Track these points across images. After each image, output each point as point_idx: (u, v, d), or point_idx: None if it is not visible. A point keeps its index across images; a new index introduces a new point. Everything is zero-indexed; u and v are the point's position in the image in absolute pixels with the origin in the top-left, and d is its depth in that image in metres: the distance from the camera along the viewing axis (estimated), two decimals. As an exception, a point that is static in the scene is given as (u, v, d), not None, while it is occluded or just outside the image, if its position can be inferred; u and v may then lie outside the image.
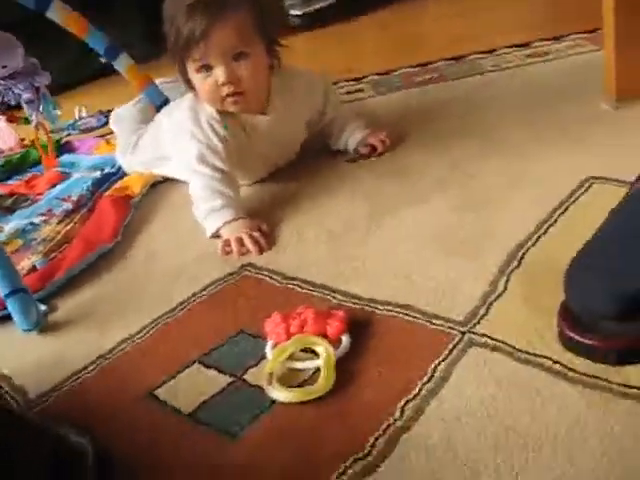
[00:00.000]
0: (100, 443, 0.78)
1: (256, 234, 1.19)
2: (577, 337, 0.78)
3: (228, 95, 1.27)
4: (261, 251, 1.17)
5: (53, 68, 2.30)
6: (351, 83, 1.99)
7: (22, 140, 2.00)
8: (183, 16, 1.21)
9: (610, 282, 0.76)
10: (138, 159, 1.56)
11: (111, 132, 1.98)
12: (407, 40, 2.51)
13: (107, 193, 1.49)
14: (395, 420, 0.76)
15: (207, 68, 1.25)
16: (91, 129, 2.16)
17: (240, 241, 1.19)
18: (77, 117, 2.25)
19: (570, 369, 0.77)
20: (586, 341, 0.78)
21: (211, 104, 1.30)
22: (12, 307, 1.07)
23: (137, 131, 1.59)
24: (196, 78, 1.28)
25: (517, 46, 1.97)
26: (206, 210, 1.24)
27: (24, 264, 1.26)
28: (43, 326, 1.09)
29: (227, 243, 1.20)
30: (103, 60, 1.95)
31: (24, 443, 0.72)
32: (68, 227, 1.39)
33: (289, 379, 0.85)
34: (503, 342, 0.83)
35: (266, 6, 1.29)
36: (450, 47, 2.13)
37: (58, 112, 1.72)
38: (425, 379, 0.80)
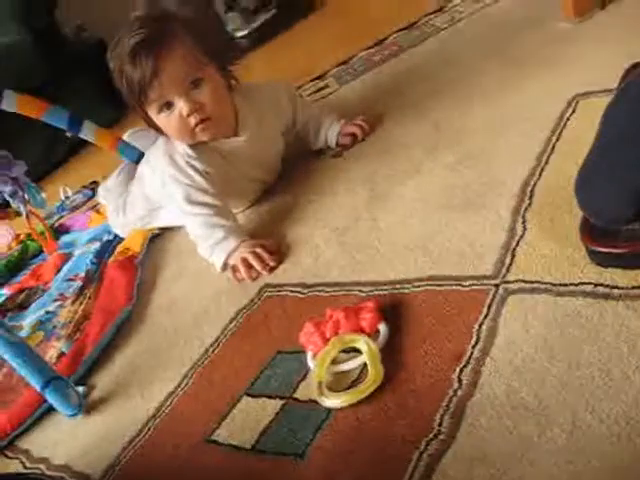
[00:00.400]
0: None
1: (259, 250, 1.17)
2: (603, 249, 0.76)
3: (196, 124, 1.25)
4: (270, 268, 1.15)
5: (26, 159, 2.31)
6: (315, 82, 1.97)
7: (17, 235, 2.00)
8: (128, 64, 1.20)
9: (621, 185, 0.74)
10: (130, 218, 1.54)
11: (98, 203, 1.98)
12: (353, 26, 2.50)
13: (111, 260, 1.48)
14: (455, 391, 0.73)
15: (168, 105, 1.24)
16: (80, 205, 2.16)
17: (246, 262, 1.17)
18: (63, 198, 2.24)
19: (613, 287, 0.74)
20: (612, 250, 0.76)
21: (182, 140, 1.29)
22: (51, 397, 1.05)
23: (122, 194, 1.57)
24: (160, 119, 1.26)
25: (464, -5, 1.95)
26: (210, 246, 1.23)
27: (51, 353, 1.24)
28: (86, 407, 1.08)
29: (236, 269, 1.18)
30: (68, 134, 1.95)
31: None
32: (83, 305, 1.38)
33: (339, 384, 0.83)
34: (539, 282, 0.80)
35: (202, 29, 1.28)
36: (398, 16, 2.11)
37: (44, 195, 1.71)
38: (473, 342, 0.78)
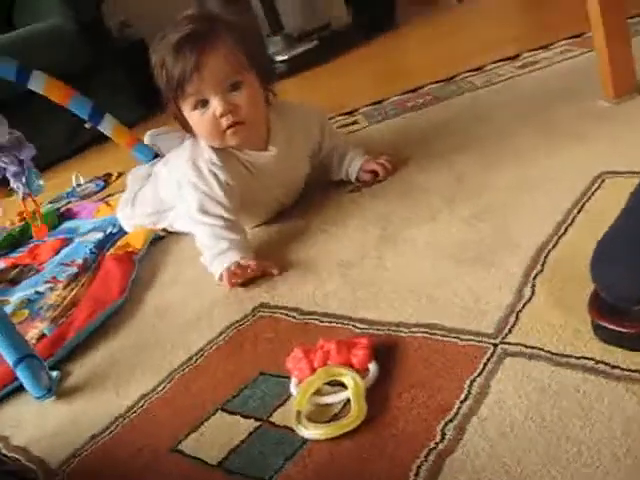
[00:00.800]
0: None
1: (252, 263, 1.16)
2: (610, 325, 0.75)
3: (228, 127, 1.23)
4: (262, 271, 1.16)
5: (47, 142, 2.32)
6: (345, 117, 1.97)
7: (21, 214, 1.98)
8: (171, 56, 1.19)
9: (637, 265, 0.72)
10: (137, 213, 1.53)
11: (109, 195, 1.98)
12: (393, 69, 2.53)
13: (109, 252, 1.46)
14: (437, 444, 0.71)
15: (203, 103, 1.22)
16: (91, 194, 2.15)
17: (239, 266, 1.16)
18: (75, 185, 2.24)
19: (614, 367, 0.72)
20: (618, 328, 0.74)
21: (211, 141, 1.27)
22: (22, 375, 1.03)
23: (137, 190, 1.56)
24: (193, 116, 1.24)
25: (505, 60, 1.96)
26: (212, 255, 1.21)
27: (32, 333, 1.22)
28: (57, 392, 1.05)
29: (229, 272, 1.17)
30: (87, 125, 1.96)
31: None
32: (74, 291, 1.35)
33: (319, 415, 0.81)
34: (539, 348, 0.78)
35: (248, 35, 1.28)
36: (438, 70, 2.13)
37: (41, 183, 1.70)
38: (462, 397, 0.75)
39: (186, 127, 1.29)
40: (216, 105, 1.21)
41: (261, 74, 1.28)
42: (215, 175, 1.26)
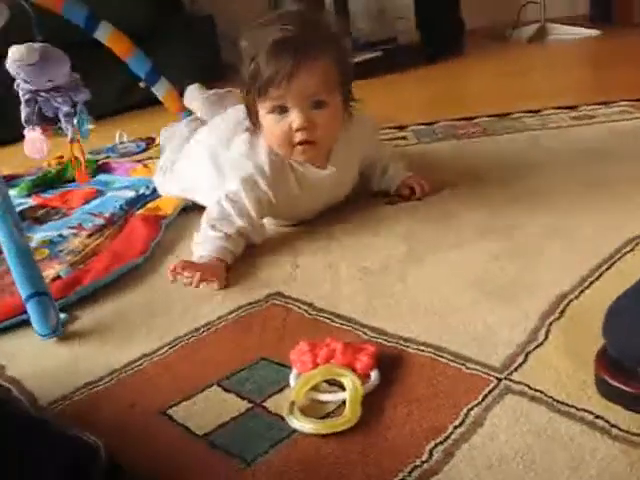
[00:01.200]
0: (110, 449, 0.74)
1: (197, 275, 1.13)
2: (614, 383, 0.74)
3: (300, 143, 1.21)
4: (196, 283, 1.13)
5: (99, 94, 2.35)
6: (394, 131, 1.98)
7: (60, 157, 2.01)
8: (267, 54, 1.15)
9: None
10: (173, 183, 1.54)
11: (149, 158, 2.00)
12: (450, 95, 2.53)
13: (139, 212, 1.48)
14: (422, 462, 0.71)
15: (282, 110, 1.19)
16: (130, 154, 2.17)
17: (182, 264, 1.14)
18: (117, 141, 2.26)
19: (613, 425, 0.71)
20: (623, 387, 0.74)
21: (276, 148, 1.25)
22: (32, 310, 1.04)
23: (177, 154, 1.57)
24: (268, 119, 1.22)
25: (563, 108, 1.96)
26: (204, 238, 1.21)
27: (48, 273, 1.23)
28: (61, 334, 1.06)
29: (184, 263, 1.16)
30: (142, 84, 1.99)
31: (44, 442, 0.70)
32: (97, 241, 1.37)
33: (312, 410, 0.81)
34: (542, 392, 0.78)
35: (346, 56, 1.25)
36: (493, 104, 2.14)
37: (90, 127, 1.73)
38: (457, 422, 0.75)
39: (253, 120, 1.26)
40: (295, 118, 1.18)
41: (346, 95, 1.26)
42: (256, 184, 1.24)
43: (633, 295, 0.78)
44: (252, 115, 1.26)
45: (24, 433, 0.69)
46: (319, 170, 1.29)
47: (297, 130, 1.19)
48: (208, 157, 1.41)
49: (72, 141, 1.72)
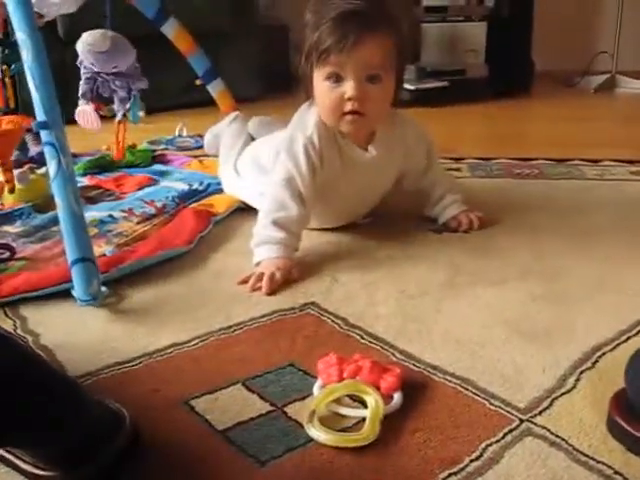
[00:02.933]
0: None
1: (278, 274, 1.17)
2: (623, 423, 0.76)
3: (350, 112, 1.23)
4: (268, 293, 1.15)
5: (168, 87, 2.40)
6: (450, 162, 1.97)
7: (119, 142, 2.05)
8: (332, 23, 1.19)
9: None
10: (234, 181, 1.57)
11: (205, 155, 2.03)
12: (509, 133, 2.51)
13: (191, 206, 1.50)
14: (433, 490, 0.71)
15: (337, 78, 1.22)
16: (187, 148, 2.20)
17: (260, 277, 1.17)
18: (177, 134, 2.30)
19: (632, 483, 0.71)
20: (631, 429, 0.75)
21: (326, 116, 1.27)
22: (76, 274, 1.07)
23: (234, 147, 1.60)
24: (322, 85, 1.24)
25: (622, 161, 1.94)
26: (264, 237, 1.24)
27: (94, 250, 1.26)
28: (100, 309, 1.09)
29: (250, 276, 1.19)
30: (198, 82, 2.06)
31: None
32: (146, 228, 1.40)
33: (331, 422, 0.81)
34: (563, 439, 0.78)
35: (408, 36, 1.29)
36: (553, 148, 2.13)
37: (141, 114, 1.80)
38: (474, 456, 0.75)
39: (308, 89, 1.29)
40: (349, 87, 1.21)
41: (399, 78, 1.29)
42: (307, 152, 1.27)
43: None
44: (306, 84, 1.29)
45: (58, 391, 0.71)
46: (361, 151, 1.32)
47: (349, 99, 1.22)
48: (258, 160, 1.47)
49: (120, 123, 1.82)
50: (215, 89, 2.08)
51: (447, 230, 1.42)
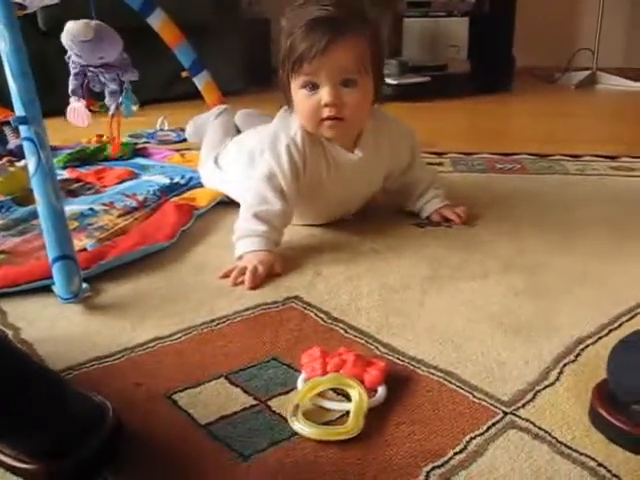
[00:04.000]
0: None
1: (260, 269, 1.17)
2: (607, 416, 0.76)
3: (328, 118, 1.23)
4: (251, 288, 1.14)
5: (149, 80, 2.38)
6: (432, 156, 1.98)
7: (100, 136, 2.04)
8: (303, 31, 1.18)
9: None
10: (215, 174, 1.55)
11: (187, 149, 2.02)
12: (491, 128, 2.53)
13: (173, 200, 1.49)
14: (418, 483, 0.71)
15: (313, 86, 1.22)
16: (168, 142, 2.19)
17: (243, 271, 1.17)
18: (158, 128, 2.28)
19: (614, 475, 0.71)
20: (615, 422, 0.75)
21: (306, 124, 1.27)
22: (57, 272, 1.06)
23: (219, 146, 1.59)
24: (299, 94, 1.24)
25: (604, 157, 1.95)
26: (246, 230, 1.24)
27: (75, 244, 1.24)
28: (81, 304, 1.08)
29: (231, 270, 1.19)
30: (184, 74, 2.05)
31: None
32: (127, 222, 1.39)
33: (315, 416, 0.81)
34: (546, 432, 0.78)
35: (381, 38, 1.27)
36: (535, 143, 2.15)
37: (134, 108, 1.77)
38: (457, 449, 0.75)
39: (288, 98, 1.29)
40: (325, 94, 1.21)
41: (377, 78, 1.28)
42: (290, 153, 1.27)
43: None
44: (286, 92, 1.28)
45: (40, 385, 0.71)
46: (347, 153, 1.31)
47: (326, 106, 1.22)
48: (246, 153, 1.44)
49: (113, 116, 1.78)
50: (201, 81, 2.07)
51: (430, 224, 1.42)
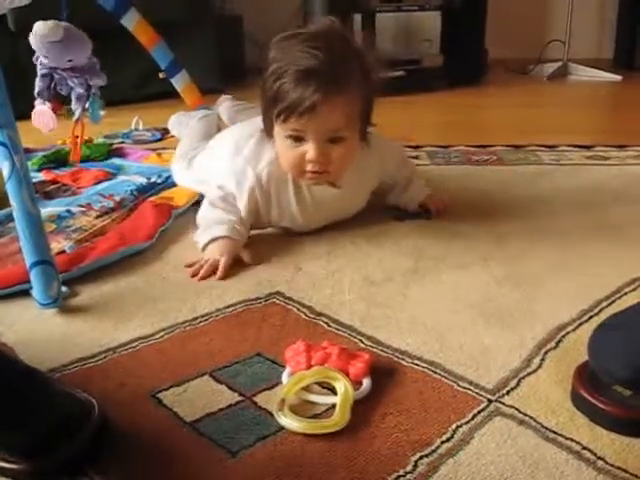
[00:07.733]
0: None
1: (224, 260, 1.17)
2: (589, 397, 0.78)
3: (311, 171, 1.20)
4: (220, 278, 1.16)
5: (119, 81, 2.36)
6: (408, 150, 1.98)
7: (76, 137, 2.01)
8: (294, 79, 1.12)
9: (632, 347, 0.75)
10: (192, 175, 1.53)
11: (163, 148, 2.00)
12: (467, 121, 2.54)
13: (150, 199, 1.48)
14: (406, 473, 0.71)
15: (298, 139, 1.18)
16: (144, 142, 2.17)
17: (212, 265, 1.18)
18: (133, 128, 2.27)
19: (599, 457, 0.72)
20: (591, 399, 0.77)
21: (288, 170, 1.24)
22: (35, 278, 1.04)
23: (197, 148, 1.58)
24: (283, 142, 1.20)
25: (579, 146, 1.97)
26: (207, 220, 1.26)
27: (53, 247, 1.22)
28: (61, 305, 1.07)
29: (194, 264, 1.20)
30: (162, 75, 2.02)
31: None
32: (105, 222, 1.37)
33: (301, 410, 0.81)
34: (531, 417, 0.79)
35: (374, 92, 1.23)
36: (510, 134, 2.16)
37: (102, 113, 1.74)
38: (444, 438, 0.76)
39: (267, 129, 1.25)
40: (310, 150, 1.17)
41: (365, 126, 1.25)
42: (252, 195, 1.26)
43: (625, 315, 0.81)
44: (268, 128, 1.24)
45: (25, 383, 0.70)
46: (329, 188, 1.29)
47: (310, 162, 1.19)
48: (233, 146, 1.38)
49: (77, 121, 1.73)
50: (180, 82, 2.02)
51: (410, 217, 1.43)
